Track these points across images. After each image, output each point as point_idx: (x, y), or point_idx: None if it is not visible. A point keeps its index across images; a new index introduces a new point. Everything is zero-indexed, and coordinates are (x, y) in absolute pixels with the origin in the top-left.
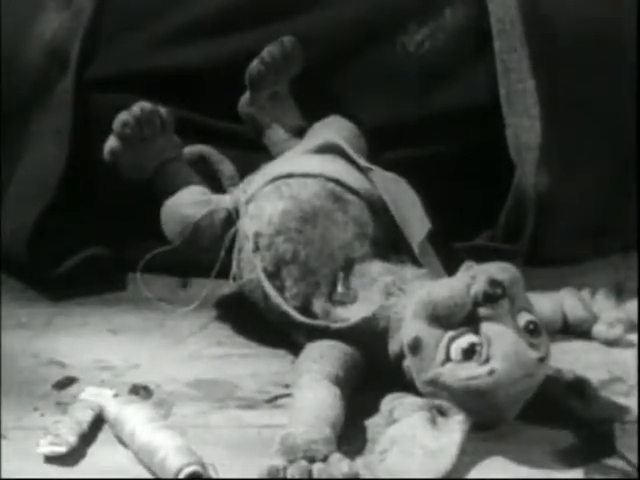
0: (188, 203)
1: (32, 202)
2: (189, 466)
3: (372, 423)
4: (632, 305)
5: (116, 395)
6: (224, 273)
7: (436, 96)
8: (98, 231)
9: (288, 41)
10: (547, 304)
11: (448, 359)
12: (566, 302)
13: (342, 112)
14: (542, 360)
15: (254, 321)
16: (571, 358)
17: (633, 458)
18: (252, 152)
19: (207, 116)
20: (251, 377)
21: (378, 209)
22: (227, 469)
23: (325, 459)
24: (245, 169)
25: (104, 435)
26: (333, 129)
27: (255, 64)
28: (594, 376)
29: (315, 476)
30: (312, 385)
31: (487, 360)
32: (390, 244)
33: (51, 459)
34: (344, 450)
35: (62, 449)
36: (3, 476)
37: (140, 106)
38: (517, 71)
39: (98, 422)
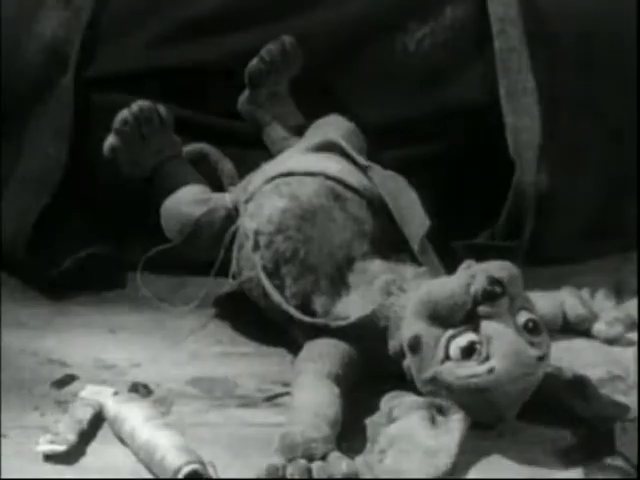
0: (188, 201)
1: (32, 201)
2: (188, 465)
3: (371, 422)
4: (632, 304)
5: (116, 393)
6: (224, 271)
7: (436, 95)
8: (98, 230)
9: (288, 40)
10: (547, 303)
11: (447, 358)
12: (566, 301)
13: (342, 111)
14: (542, 358)
15: (253, 320)
16: (571, 356)
17: (633, 457)
18: (252, 150)
19: (207, 115)
20: (250, 376)
21: (377, 207)
22: (226, 468)
23: (324, 458)
24: (244, 167)
25: (104, 433)
26: (332, 128)
27: (255, 63)
28: (594, 374)
29: (314, 475)
30: (311, 384)
31: (487, 358)
32: (390, 242)
33: (50, 457)
34: (343, 449)
35: (61, 447)
36: (3, 475)
37: (139, 104)
38: (517, 70)
39: (98, 420)
